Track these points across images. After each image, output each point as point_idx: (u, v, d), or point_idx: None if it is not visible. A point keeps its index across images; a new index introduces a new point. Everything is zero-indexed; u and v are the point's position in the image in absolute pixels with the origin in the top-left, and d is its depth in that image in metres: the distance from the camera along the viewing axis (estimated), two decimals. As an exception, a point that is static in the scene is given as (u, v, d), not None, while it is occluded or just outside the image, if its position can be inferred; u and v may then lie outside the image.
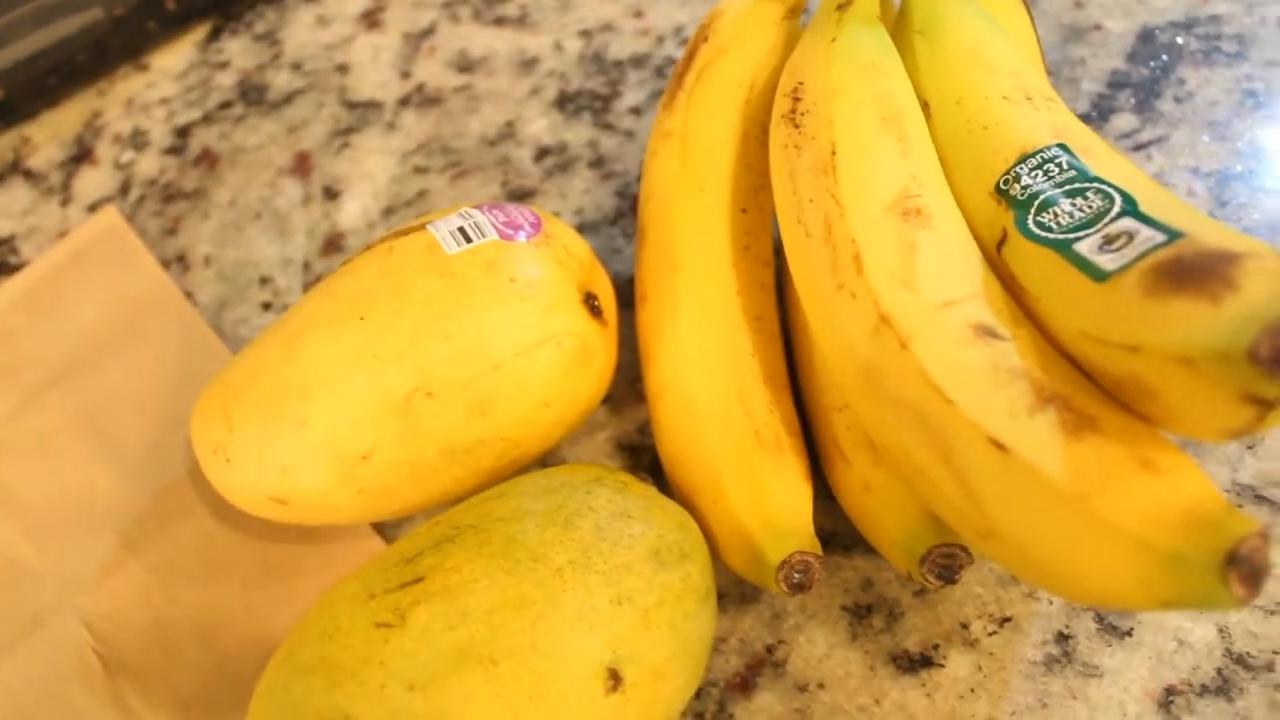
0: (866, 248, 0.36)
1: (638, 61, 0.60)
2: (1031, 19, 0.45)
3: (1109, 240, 0.33)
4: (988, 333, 0.34)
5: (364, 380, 0.40)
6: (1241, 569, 0.27)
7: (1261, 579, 0.28)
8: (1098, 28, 0.56)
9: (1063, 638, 0.41)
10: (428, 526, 0.39)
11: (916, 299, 0.35)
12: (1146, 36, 0.56)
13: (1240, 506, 0.43)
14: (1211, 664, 0.40)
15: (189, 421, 0.51)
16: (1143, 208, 0.33)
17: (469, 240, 0.42)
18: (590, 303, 0.43)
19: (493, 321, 0.40)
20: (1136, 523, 0.29)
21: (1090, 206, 0.34)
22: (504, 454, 0.42)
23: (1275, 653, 0.40)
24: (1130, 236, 0.32)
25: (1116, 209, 0.33)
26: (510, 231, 0.42)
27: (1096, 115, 0.53)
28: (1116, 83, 0.54)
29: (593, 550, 0.37)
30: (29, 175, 0.63)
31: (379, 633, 0.35)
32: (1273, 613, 0.40)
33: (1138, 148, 0.52)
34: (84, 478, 0.50)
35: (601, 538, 0.37)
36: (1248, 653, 0.40)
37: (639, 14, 0.62)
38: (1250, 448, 0.44)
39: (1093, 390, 0.32)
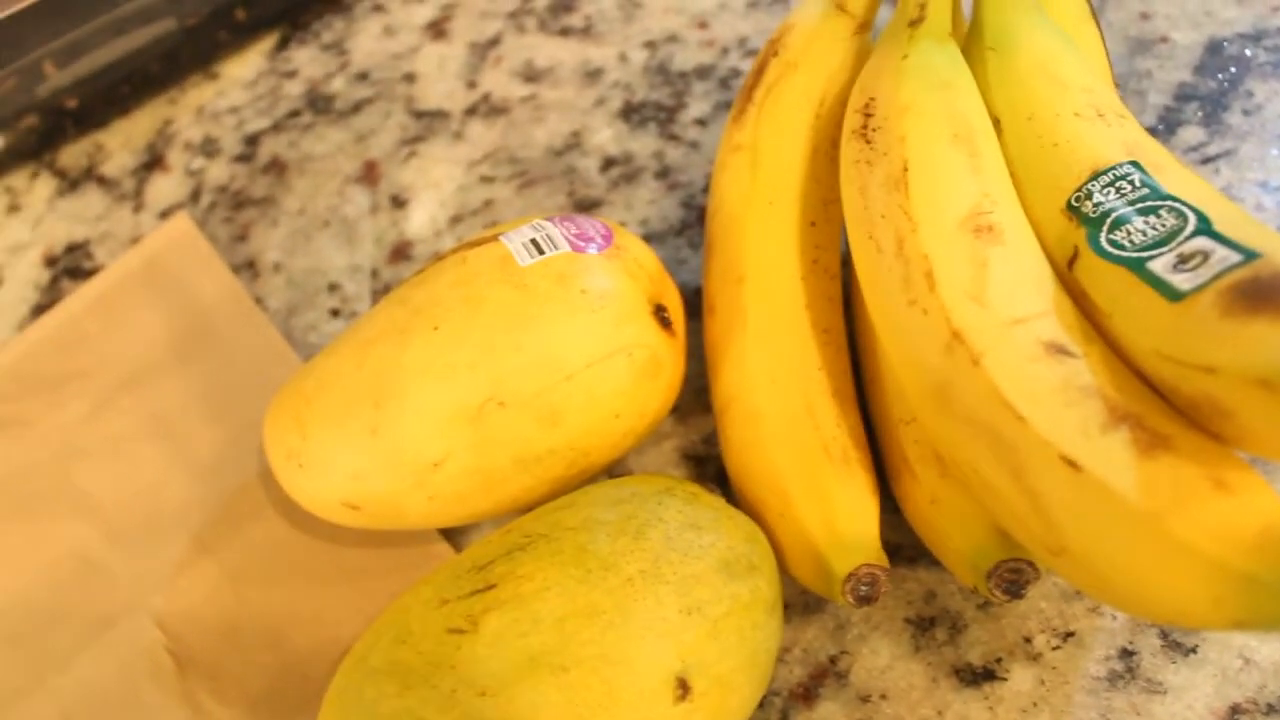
0: (939, 264, 0.36)
1: (702, 73, 0.60)
2: (1101, 32, 0.45)
3: (1183, 259, 0.33)
4: (1060, 350, 0.34)
5: (436, 389, 0.40)
6: (1317, 591, 0.28)
7: (1337, 602, 0.28)
8: (1164, 40, 0.56)
9: (1127, 654, 0.41)
10: (499, 534, 0.39)
11: (988, 316, 0.35)
12: (1214, 48, 0.55)
13: (1309, 524, 0.42)
14: (1277, 683, 0.40)
15: (260, 425, 0.52)
16: (1217, 226, 0.33)
17: (541, 252, 0.42)
18: (660, 314, 0.43)
19: (564, 333, 0.41)
20: (1210, 543, 0.29)
21: (1164, 225, 0.34)
22: (574, 463, 0.43)
23: (1344, 672, 0.40)
24: (1205, 256, 0.32)
25: (1191, 228, 0.33)
26: (582, 244, 0.43)
27: (1163, 128, 0.53)
28: (1184, 95, 0.54)
29: (663, 560, 0.37)
30: (102, 182, 0.64)
31: (451, 638, 0.35)
32: (1341, 632, 0.40)
33: (1205, 161, 0.52)
34: (157, 480, 0.51)
35: (671, 548, 0.37)
36: (1316, 672, 0.40)
37: (703, 25, 0.62)
38: (1319, 465, 0.44)
39: (1165, 409, 0.32)
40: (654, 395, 0.44)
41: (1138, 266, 0.33)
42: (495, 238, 0.43)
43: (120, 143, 0.66)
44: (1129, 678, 0.41)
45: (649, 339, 0.42)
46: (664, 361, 0.43)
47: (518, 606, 0.36)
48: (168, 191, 0.63)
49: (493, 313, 0.41)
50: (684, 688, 0.36)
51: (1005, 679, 0.42)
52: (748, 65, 0.60)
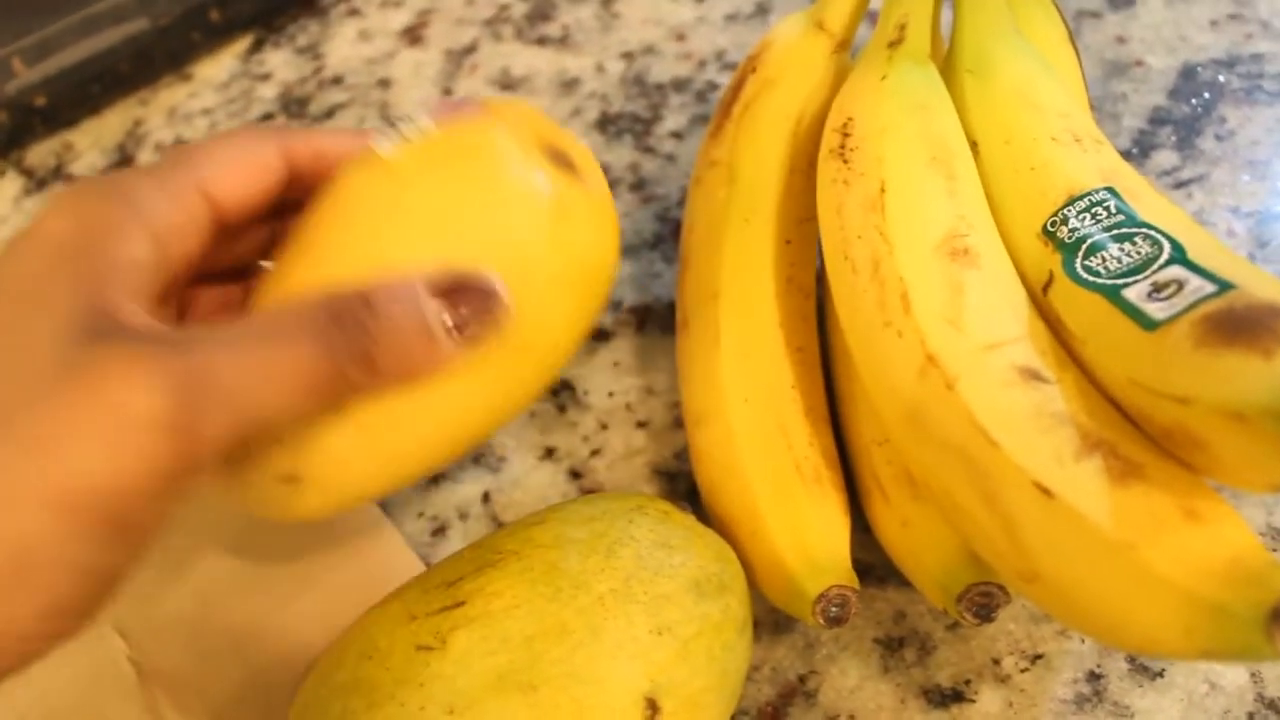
0: (914, 287, 0.36)
1: (679, 85, 0.60)
2: (1078, 56, 0.46)
3: (1158, 288, 0.33)
4: (1034, 376, 0.34)
5: None
6: (1286, 623, 0.28)
7: (1306, 634, 0.28)
8: (1140, 64, 0.57)
9: (1094, 677, 0.41)
10: (469, 550, 0.39)
11: (963, 340, 0.35)
12: (1188, 73, 0.56)
13: (1274, 550, 0.43)
14: (1243, 708, 0.40)
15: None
16: (1191, 255, 0.33)
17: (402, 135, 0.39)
18: (557, 158, 0.39)
19: (446, 204, 0.37)
20: (1181, 573, 0.29)
21: (1139, 252, 0.34)
22: (514, 347, 0.38)
23: (1308, 699, 0.40)
24: (1180, 285, 0.32)
25: (1165, 256, 0.34)
26: (446, 114, 0.39)
27: (1138, 152, 0.54)
28: (1158, 119, 0.55)
29: (634, 579, 0.37)
30: (71, 182, 0.63)
31: (419, 655, 0.35)
32: (1306, 659, 0.40)
33: (1178, 185, 0.52)
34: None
35: (643, 567, 0.37)
36: (1279, 697, 0.40)
37: (681, 37, 0.62)
38: (1286, 491, 0.44)
39: (1138, 437, 0.32)
40: (571, 245, 0.39)
41: (1112, 294, 0.34)
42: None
43: (90, 142, 0.65)
44: (1096, 701, 0.41)
45: (544, 183, 0.38)
46: (570, 204, 0.39)
47: (486, 624, 0.35)
48: (138, 193, 0.62)
49: (367, 217, 0.37)
50: (653, 708, 0.36)
51: (974, 700, 0.42)
52: (725, 78, 0.60)
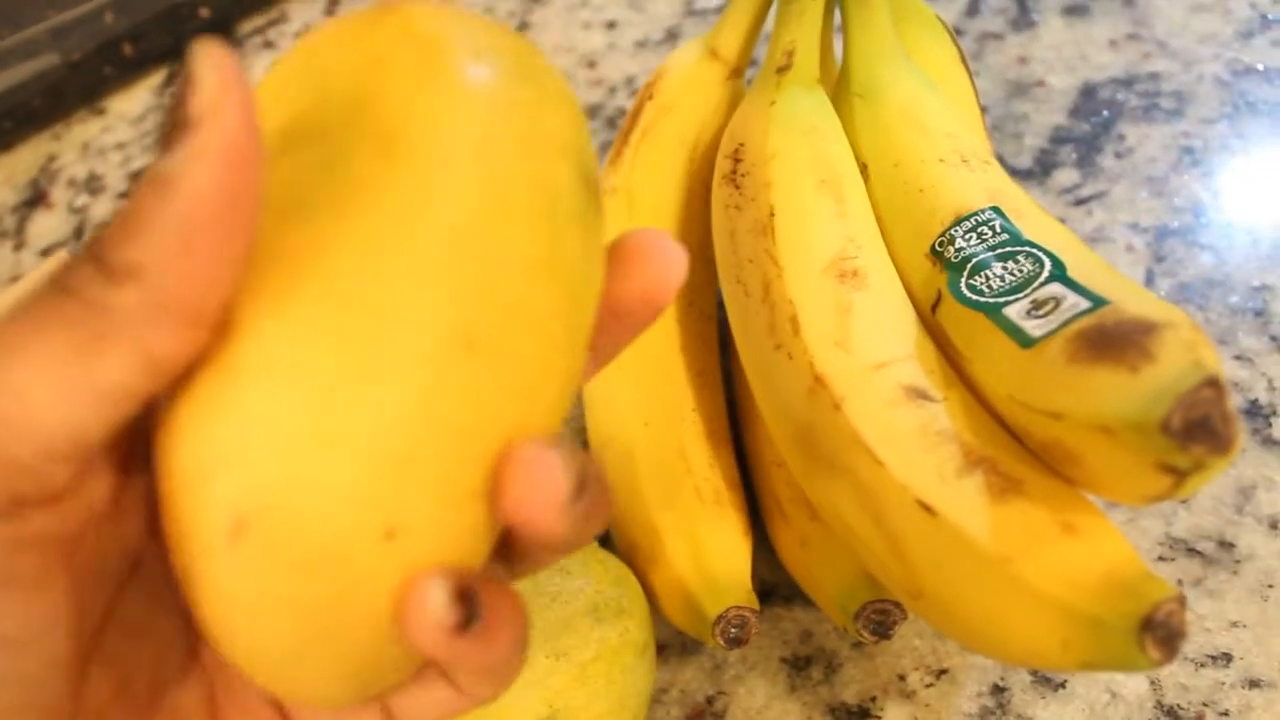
0: (803, 309, 0.36)
1: (591, 111, 0.61)
2: (971, 79, 0.46)
3: (1037, 305, 0.33)
4: (919, 395, 0.34)
5: None
6: (1158, 633, 0.28)
7: (1177, 643, 0.28)
8: (1041, 84, 0.58)
9: (998, 690, 0.42)
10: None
11: (851, 360, 0.35)
12: (1088, 93, 0.57)
13: (1173, 560, 0.43)
14: (1143, 716, 0.41)
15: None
16: (1071, 273, 0.34)
17: None
18: None
19: None
20: (1056, 586, 0.30)
21: (1021, 271, 0.35)
22: None
23: (1205, 705, 0.40)
24: (1057, 302, 0.33)
25: (1046, 274, 0.34)
26: None
27: (1039, 170, 0.54)
28: (1059, 138, 0.55)
29: (530, 605, 0.37)
30: (-18, 218, 0.63)
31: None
32: (1203, 665, 0.41)
33: (1079, 203, 0.53)
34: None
35: (539, 592, 0.37)
36: (1178, 705, 0.41)
37: (592, 64, 0.63)
38: (1183, 501, 0.45)
39: (1020, 453, 0.33)
40: None
41: (994, 312, 0.34)
42: None
43: (3, 179, 0.65)
44: (1000, 713, 0.41)
45: None
46: None
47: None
48: (50, 229, 0.62)
49: None
50: (552, 734, 0.36)
51: (880, 717, 0.42)
52: (636, 105, 0.61)
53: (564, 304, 0.23)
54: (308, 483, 0.20)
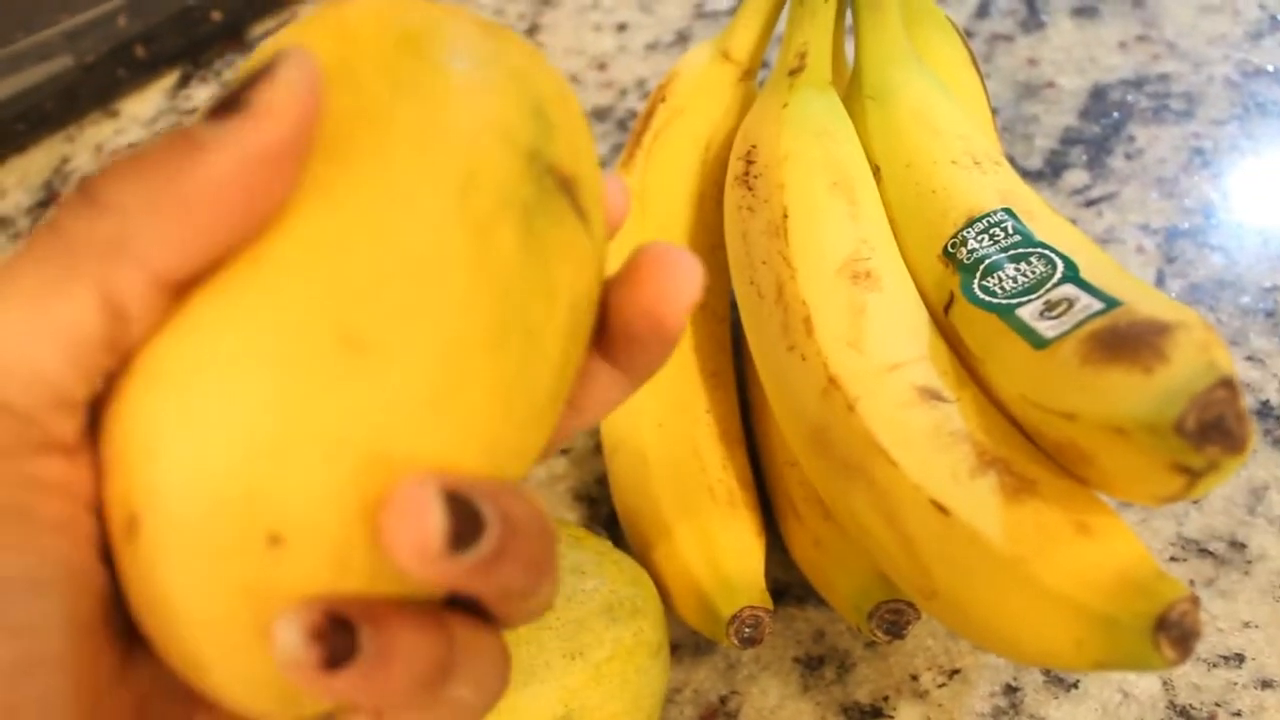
0: (817, 310, 0.37)
1: (601, 114, 0.61)
2: (982, 80, 0.46)
3: (1050, 306, 0.33)
4: (933, 395, 0.34)
5: None
6: (1171, 633, 0.28)
7: (1191, 642, 0.28)
8: (1051, 85, 0.58)
9: (1011, 690, 0.42)
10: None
11: (864, 361, 0.35)
12: (1098, 94, 0.57)
13: (1185, 560, 0.44)
14: (1156, 716, 0.41)
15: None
16: (1083, 274, 0.34)
17: None
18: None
19: None
20: (1070, 586, 0.30)
21: (1033, 272, 0.35)
22: None
23: (1217, 705, 0.41)
24: (1070, 304, 0.33)
25: (1058, 275, 0.34)
26: None
27: (1050, 171, 0.55)
28: (1069, 139, 0.56)
29: (546, 606, 0.37)
30: (-4, 220, 0.63)
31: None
32: (1215, 665, 0.41)
33: (1089, 204, 0.53)
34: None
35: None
36: (1190, 705, 0.41)
37: (602, 67, 0.63)
38: (1195, 502, 0.45)
39: (1034, 453, 0.33)
40: None
41: (1007, 313, 0.34)
42: None
43: (16, 181, 0.65)
44: (1013, 714, 0.41)
45: None
46: None
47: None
48: (63, 231, 0.62)
49: None
50: (567, 733, 0.36)
51: (892, 716, 0.42)
52: (646, 107, 0.61)
53: (486, 303, 0.21)
54: (192, 481, 0.20)
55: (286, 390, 0.20)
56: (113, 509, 0.21)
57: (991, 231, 0.37)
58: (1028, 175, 0.55)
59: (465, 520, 0.20)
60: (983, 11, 0.61)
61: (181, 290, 0.21)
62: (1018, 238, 0.36)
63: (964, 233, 0.37)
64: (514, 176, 0.22)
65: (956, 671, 0.43)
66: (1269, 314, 0.48)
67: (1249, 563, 0.43)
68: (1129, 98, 0.56)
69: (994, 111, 0.48)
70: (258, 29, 0.69)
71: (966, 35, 0.51)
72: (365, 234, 0.21)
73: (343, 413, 0.20)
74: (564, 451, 0.50)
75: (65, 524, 0.21)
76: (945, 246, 0.38)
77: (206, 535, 0.20)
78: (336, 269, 0.20)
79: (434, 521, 0.19)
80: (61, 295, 0.20)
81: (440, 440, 0.21)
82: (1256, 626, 0.42)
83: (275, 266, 0.20)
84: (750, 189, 0.40)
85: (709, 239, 0.46)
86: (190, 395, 0.20)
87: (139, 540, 0.20)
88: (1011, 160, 0.55)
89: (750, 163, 0.41)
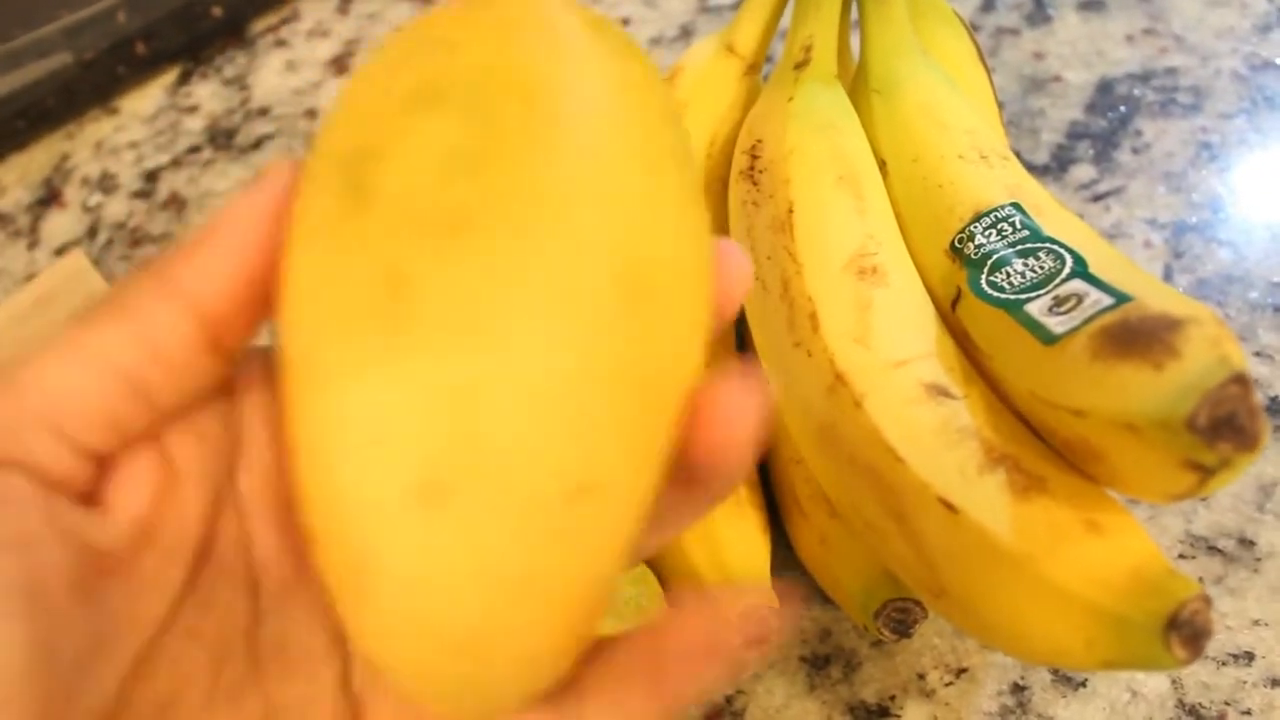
0: (823, 306, 0.36)
1: (604, 109, 0.61)
2: (989, 74, 0.46)
3: (1059, 302, 0.33)
4: (940, 392, 0.34)
5: None
6: (1183, 632, 0.28)
7: (1203, 641, 0.28)
8: (1057, 79, 0.57)
9: (1018, 689, 0.42)
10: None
11: (871, 357, 0.35)
12: (1105, 88, 0.56)
13: (1193, 558, 0.43)
14: (1164, 715, 0.40)
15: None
16: (1093, 269, 0.34)
17: None
18: None
19: None
20: (1081, 585, 0.30)
21: (1042, 267, 0.34)
22: None
23: (1227, 704, 0.40)
24: (1079, 299, 0.33)
25: (1067, 270, 0.34)
26: None
27: (1056, 166, 0.54)
28: (1076, 134, 0.55)
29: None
30: (-4, 217, 0.63)
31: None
32: (1224, 664, 0.41)
33: (1096, 198, 0.53)
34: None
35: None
36: (1200, 704, 0.40)
37: (606, 61, 0.63)
38: (1204, 499, 0.44)
39: (1042, 450, 0.33)
40: None
41: (1015, 309, 0.34)
42: None
43: (15, 178, 0.64)
44: (1020, 712, 0.41)
45: None
46: None
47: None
48: (63, 228, 0.62)
49: None
50: None
51: (899, 716, 0.42)
52: (649, 102, 0.60)
53: (698, 258, 0.23)
54: (495, 442, 0.19)
55: (587, 337, 0.20)
56: (381, 488, 0.20)
57: (999, 226, 0.37)
58: (1034, 170, 0.54)
59: None
60: (988, 5, 0.61)
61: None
62: (1026, 233, 0.36)
63: (971, 228, 0.37)
64: (684, 154, 0.24)
65: (964, 670, 0.42)
66: (1277, 309, 0.48)
67: (1258, 560, 0.43)
68: (1136, 92, 0.56)
69: (1000, 105, 0.47)
70: (258, 24, 0.69)
71: (972, 29, 0.51)
72: (624, 193, 0.22)
73: (641, 356, 0.21)
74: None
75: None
76: (952, 242, 0.37)
77: (518, 491, 0.20)
78: (613, 224, 0.21)
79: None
80: (96, 327, 0.23)
81: (696, 376, 0.23)
82: (1266, 624, 0.42)
83: (544, 215, 0.21)
84: (755, 184, 0.40)
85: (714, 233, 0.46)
86: (485, 351, 0.20)
87: (436, 509, 0.20)
88: (1018, 155, 0.54)
89: (755, 157, 0.40)
